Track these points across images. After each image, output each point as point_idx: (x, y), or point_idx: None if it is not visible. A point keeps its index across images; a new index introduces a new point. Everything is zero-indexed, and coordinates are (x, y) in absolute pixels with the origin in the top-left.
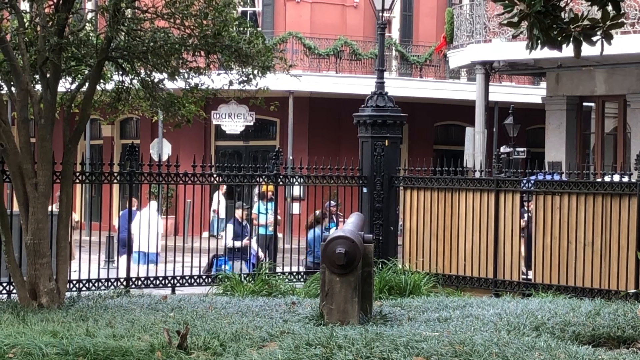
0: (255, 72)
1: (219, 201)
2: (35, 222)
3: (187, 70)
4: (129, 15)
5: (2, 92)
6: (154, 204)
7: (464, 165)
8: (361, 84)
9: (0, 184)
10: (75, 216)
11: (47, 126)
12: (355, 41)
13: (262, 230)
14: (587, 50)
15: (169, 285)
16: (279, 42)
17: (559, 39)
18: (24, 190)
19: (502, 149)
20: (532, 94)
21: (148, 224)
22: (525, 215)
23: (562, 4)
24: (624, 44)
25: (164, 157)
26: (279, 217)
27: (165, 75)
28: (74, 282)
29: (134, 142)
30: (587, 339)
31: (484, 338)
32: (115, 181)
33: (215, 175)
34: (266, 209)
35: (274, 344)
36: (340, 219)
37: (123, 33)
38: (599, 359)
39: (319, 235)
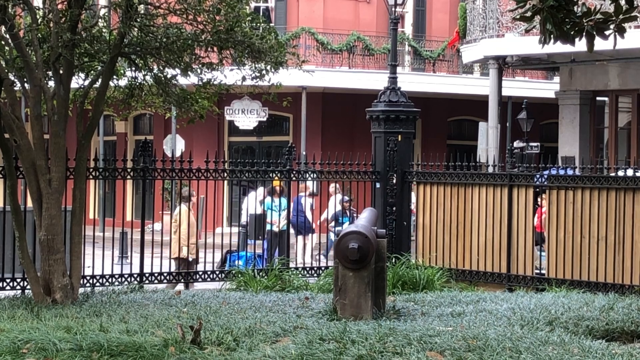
0: (268, 67)
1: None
2: (49, 218)
3: (200, 66)
4: (142, 11)
5: (15, 88)
6: (261, 188)
7: (477, 160)
8: (374, 79)
9: (14, 180)
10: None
11: (61, 122)
12: (368, 36)
13: (270, 226)
14: (600, 44)
15: (183, 280)
16: (292, 38)
17: (572, 33)
18: (38, 186)
19: (515, 144)
20: (545, 88)
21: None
22: None
23: None
24: (637, 38)
25: (177, 153)
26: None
27: (178, 71)
28: (88, 277)
29: (147, 138)
30: (601, 334)
31: (497, 333)
32: (128, 177)
33: (228, 171)
34: (277, 205)
35: (288, 339)
36: (353, 214)
37: (136, 29)
38: (613, 353)
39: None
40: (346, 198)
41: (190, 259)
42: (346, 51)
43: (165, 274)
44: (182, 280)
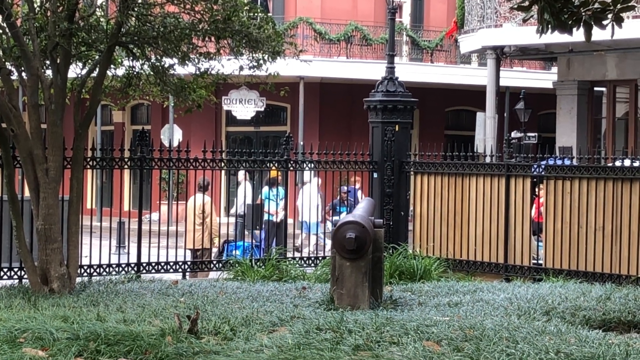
0: (266, 57)
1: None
2: (46, 208)
3: (198, 55)
4: (139, 0)
5: (13, 77)
6: (315, 179)
7: (475, 150)
8: (372, 69)
9: (11, 169)
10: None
11: (58, 112)
12: (365, 26)
13: (268, 216)
14: (598, 34)
15: (180, 270)
16: (290, 28)
17: (570, 22)
18: (35, 175)
19: (513, 134)
20: (543, 78)
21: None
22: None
23: None
24: (635, 28)
25: (175, 143)
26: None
27: (175, 60)
28: (85, 267)
29: (144, 128)
30: (598, 324)
31: (494, 323)
32: (126, 167)
33: (225, 161)
34: (275, 195)
35: (285, 328)
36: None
37: (133, 18)
38: (610, 343)
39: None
40: (344, 188)
41: (214, 249)
42: (344, 41)
43: (162, 264)
44: (206, 269)
